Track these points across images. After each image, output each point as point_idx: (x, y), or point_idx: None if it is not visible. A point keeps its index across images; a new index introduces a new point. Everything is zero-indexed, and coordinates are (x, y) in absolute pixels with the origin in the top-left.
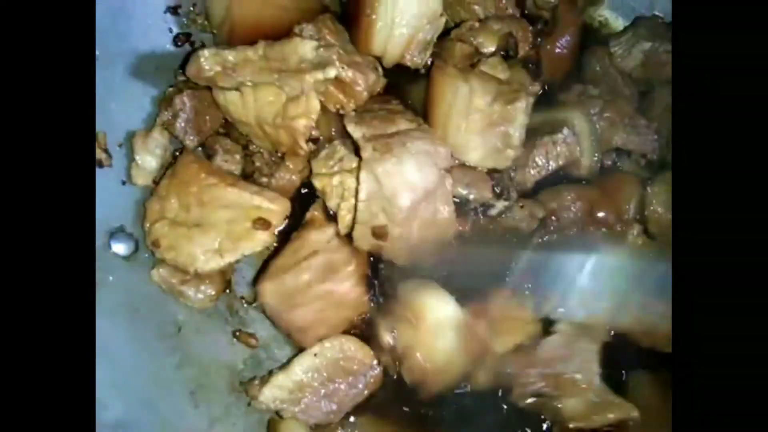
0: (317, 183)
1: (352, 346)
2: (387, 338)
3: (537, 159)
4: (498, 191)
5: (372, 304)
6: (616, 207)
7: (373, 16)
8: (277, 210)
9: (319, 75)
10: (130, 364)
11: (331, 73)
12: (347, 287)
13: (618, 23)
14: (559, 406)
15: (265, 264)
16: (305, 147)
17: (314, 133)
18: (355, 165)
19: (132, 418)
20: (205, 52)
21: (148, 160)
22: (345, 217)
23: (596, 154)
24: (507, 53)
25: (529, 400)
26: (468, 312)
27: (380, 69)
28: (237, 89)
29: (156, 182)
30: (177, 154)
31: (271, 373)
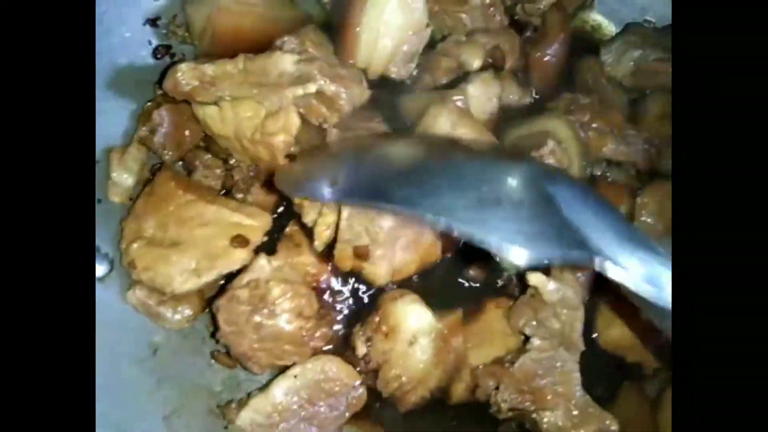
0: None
1: (334, 367)
2: (362, 350)
3: None
4: None
5: (338, 322)
6: None
7: (358, 28)
8: (257, 226)
9: (299, 90)
10: (103, 387)
11: (311, 88)
12: (282, 322)
13: (610, 28)
14: (539, 419)
15: None
16: (282, 162)
17: (293, 149)
18: None
19: None
20: (183, 66)
21: (125, 177)
22: (322, 234)
23: (585, 162)
24: (495, 65)
25: (509, 414)
26: (445, 324)
27: (365, 82)
28: (215, 104)
29: (133, 200)
30: (155, 170)
31: (249, 395)
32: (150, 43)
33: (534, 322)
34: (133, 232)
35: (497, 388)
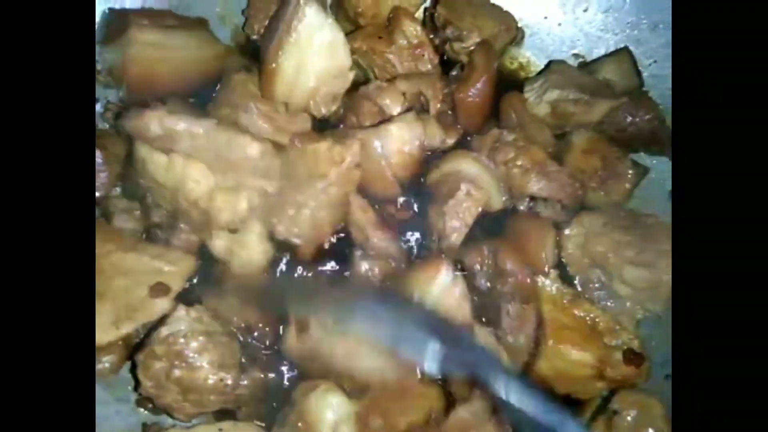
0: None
1: None
2: None
3: (451, 224)
4: None
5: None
6: (530, 255)
7: (273, 65)
8: (177, 271)
9: (259, 182)
10: None
11: (271, 187)
12: (203, 375)
13: (537, 64)
14: None
15: None
16: (214, 237)
17: (232, 227)
18: None
19: None
20: (151, 114)
21: None
22: (237, 272)
23: (502, 193)
24: (421, 108)
25: None
26: (361, 404)
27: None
28: (166, 153)
29: None
30: None
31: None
32: None
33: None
34: None
35: None
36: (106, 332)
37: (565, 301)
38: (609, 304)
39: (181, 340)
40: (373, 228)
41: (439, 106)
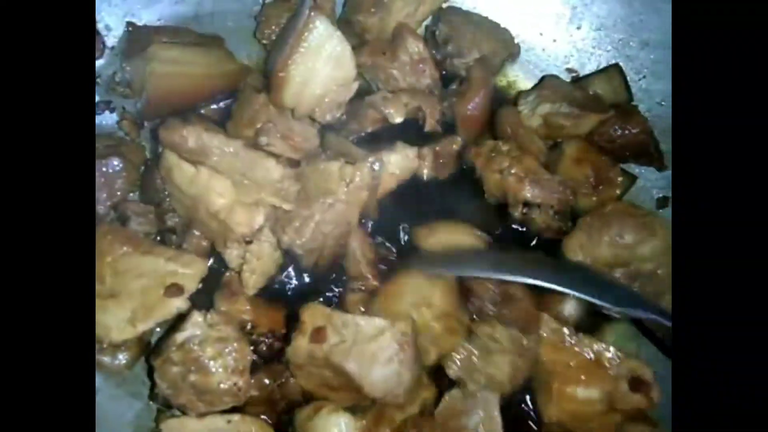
0: (218, 247)
1: None
2: None
3: None
4: None
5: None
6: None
7: (282, 74)
8: (191, 274)
9: (277, 201)
10: None
11: (287, 207)
12: (216, 380)
13: (524, 83)
14: None
15: None
16: (228, 247)
17: (246, 239)
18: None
19: None
20: (190, 129)
21: None
22: (248, 279)
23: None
24: (418, 122)
25: None
26: (367, 418)
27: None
28: (194, 165)
29: None
30: None
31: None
32: None
33: (471, 364)
34: None
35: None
36: (122, 330)
37: (564, 342)
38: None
39: (197, 348)
40: (369, 268)
41: (432, 125)
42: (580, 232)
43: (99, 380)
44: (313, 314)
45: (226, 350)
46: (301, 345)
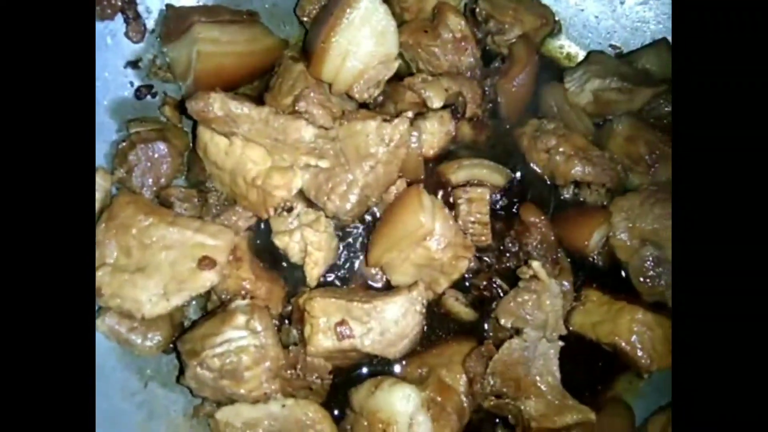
0: (279, 242)
1: (325, 425)
2: None
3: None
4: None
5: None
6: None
7: (323, 45)
8: (220, 245)
9: (313, 160)
10: (96, 423)
11: (324, 164)
12: (246, 389)
13: (578, 53)
14: (521, 407)
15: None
16: (271, 213)
17: (287, 203)
18: (314, 218)
19: None
20: (215, 96)
21: None
22: (312, 271)
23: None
24: (455, 109)
25: (492, 401)
26: (430, 389)
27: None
28: (227, 136)
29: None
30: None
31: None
32: (131, 84)
33: (523, 314)
34: (96, 259)
35: (483, 375)
36: (155, 305)
37: None
38: (669, 276)
39: (234, 359)
40: None
41: (472, 111)
42: (636, 195)
43: (152, 367)
44: (324, 308)
45: (263, 360)
46: (322, 343)
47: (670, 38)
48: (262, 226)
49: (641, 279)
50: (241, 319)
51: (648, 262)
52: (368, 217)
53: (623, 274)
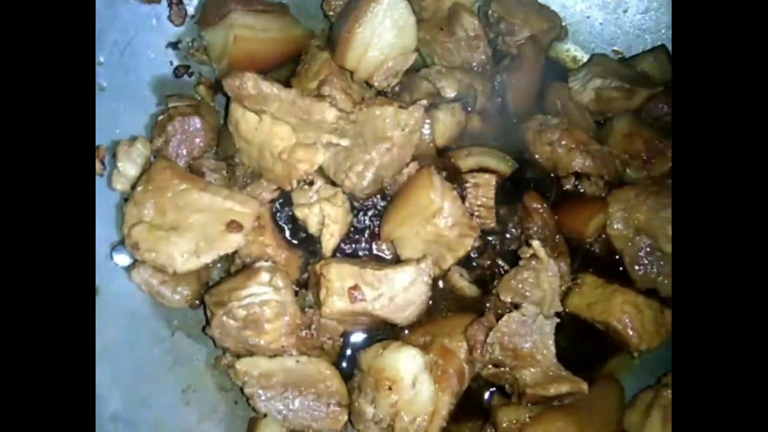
0: (299, 213)
1: (335, 381)
2: (370, 411)
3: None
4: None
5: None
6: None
7: (348, 34)
8: (247, 212)
9: (334, 139)
10: (127, 364)
11: (344, 143)
12: (266, 341)
13: (583, 57)
14: (517, 375)
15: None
16: (294, 185)
17: (309, 177)
18: (332, 193)
19: (128, 413)
20: (249, 75)
21: (129, 167)
22: (328, 242)
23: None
24: (466, 102)
25: (490, 369)
26: (434, 352)
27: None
28: (257, 114)
29: (133, 188)
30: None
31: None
32: (171, 63)
33: (523, 291)
34: (134, 216)
35: (483, 344)
36: (186, 261)
37: None
38: (661, 264)
39: (257, 310)
40: None
41: (482, 104)
42: (632, 188)
43: (179, 319)
44: (339, 273)
45: (283, 314)
46: (336, 304)
47: (668, 45)
48: (281, 205)
49: (635, 267)
50: (265, 276)
51: (642, 251)
52: (379, 200)
53: (618, 262)
